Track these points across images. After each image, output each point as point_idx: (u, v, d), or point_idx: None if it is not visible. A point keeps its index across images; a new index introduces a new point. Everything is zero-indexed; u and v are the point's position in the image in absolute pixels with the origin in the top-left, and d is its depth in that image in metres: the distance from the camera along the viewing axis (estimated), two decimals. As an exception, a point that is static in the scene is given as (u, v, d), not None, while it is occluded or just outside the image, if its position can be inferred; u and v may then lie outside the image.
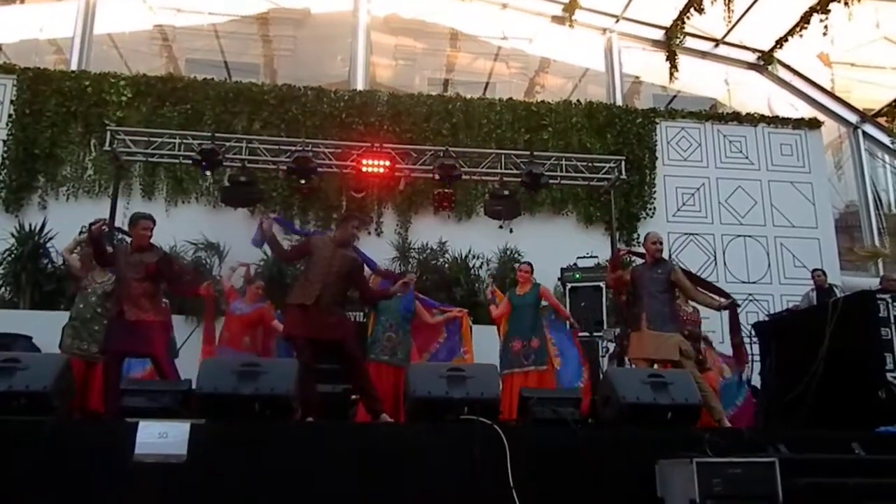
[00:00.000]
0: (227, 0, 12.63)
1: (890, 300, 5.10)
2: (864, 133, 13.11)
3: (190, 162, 8.67)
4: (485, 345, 8.27)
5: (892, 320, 5.02)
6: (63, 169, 10.24)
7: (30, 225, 9.56)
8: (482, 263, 10.29)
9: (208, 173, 8.71)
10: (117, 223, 8.90)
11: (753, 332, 7.02)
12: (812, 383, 5.21)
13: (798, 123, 12.13)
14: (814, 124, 12.18)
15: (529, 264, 7.35)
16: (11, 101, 10.37)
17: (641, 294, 6.13)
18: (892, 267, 10.74)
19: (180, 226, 9.63)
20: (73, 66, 11.21)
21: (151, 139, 8.94)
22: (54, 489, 3.48)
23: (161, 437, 3.59)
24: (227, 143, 8.79)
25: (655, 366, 5.68)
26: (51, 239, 9.47)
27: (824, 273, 9.32)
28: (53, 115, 10.32)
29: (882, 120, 13.19)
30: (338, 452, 3.79)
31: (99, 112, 10.35)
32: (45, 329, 7.22)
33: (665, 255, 6.78)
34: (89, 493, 3.50)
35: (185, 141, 8.84)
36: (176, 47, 13.46)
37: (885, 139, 13.15)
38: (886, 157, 13.53)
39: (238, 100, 10.75)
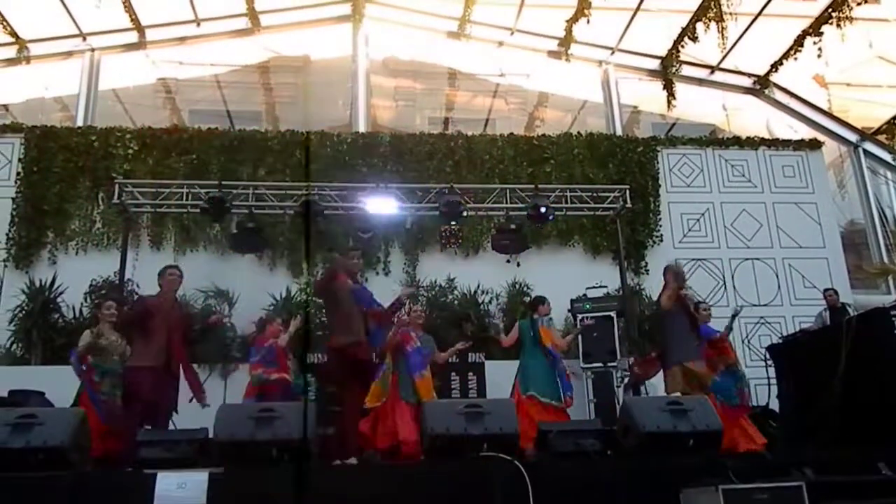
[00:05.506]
0: (228, 51, 12.85)
1: (905, 316, 5.09)
2: (865, 151, 13.12)
3: (198, 211, 8.75)
4: (497, 379, 8.25)
5: (909, 336, 4.99)
6: (72, 223, 10.31)
7: (40, 280, 9.60)
8: (491, 298, 10.26)
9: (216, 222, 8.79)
10: (127, 275, 8.95)
11: (768, 356, 6.97)
12: (832, 403, 5.15)
13: (798, 145, 12.17)
14: (814, 145, 12.22)
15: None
16: (20, 160, 10.50)
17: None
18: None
19: (189, 274, 9.46)
20: (79, 122, 11.37)
21: (159, 190, 9.03)
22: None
23: (180, 488, 3.57)
24: (234, 191, 8.86)
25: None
26: (61, 294, 9.51)
27: (836, 292, 9.27)
28: (61, 170, 10.44)
29: (882, 137, 13.22)
30: (360, 494, 3.74)
31: (106, 166, 10.47)
32: (58, 384, 7.09)
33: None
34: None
35: (192, 190, 8.90)
36: (179, 99, 13.67)
37: (887, 156, 13.16)
38: (889, 174, 13.53)
39: (242, 147, 10.86)
